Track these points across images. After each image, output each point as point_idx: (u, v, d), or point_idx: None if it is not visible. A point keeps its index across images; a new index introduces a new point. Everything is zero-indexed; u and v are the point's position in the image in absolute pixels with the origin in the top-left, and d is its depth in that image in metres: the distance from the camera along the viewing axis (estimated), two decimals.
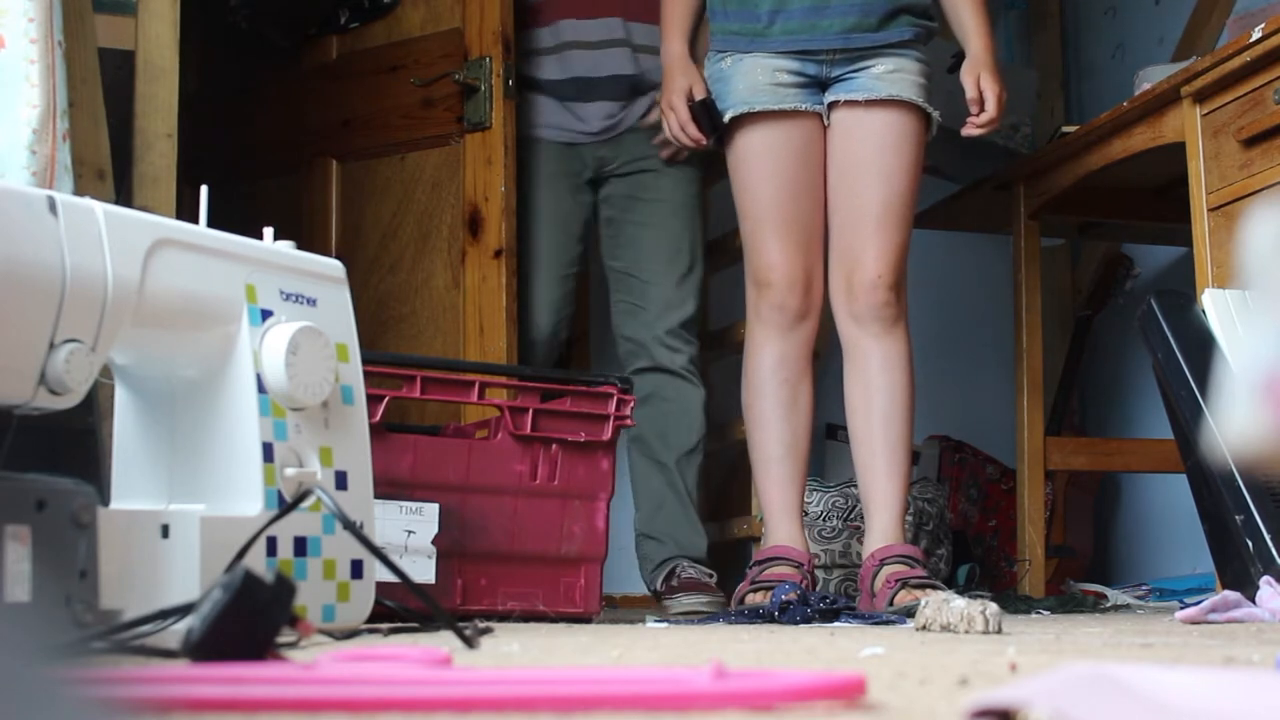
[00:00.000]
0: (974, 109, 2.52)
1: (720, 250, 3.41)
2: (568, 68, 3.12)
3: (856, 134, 2.51)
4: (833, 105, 2.53)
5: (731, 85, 2.54)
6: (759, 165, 2.53)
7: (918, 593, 2.26)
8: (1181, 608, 1.96)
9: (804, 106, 2.52)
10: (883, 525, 2.46)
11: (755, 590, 2.42)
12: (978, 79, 2.51)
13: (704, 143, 2.60)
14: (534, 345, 3.11)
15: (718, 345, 3.49)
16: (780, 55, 2.52)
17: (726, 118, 2.54)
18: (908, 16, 2.53)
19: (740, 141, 2.55)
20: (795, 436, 2.54)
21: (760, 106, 2.52)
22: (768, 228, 2.53)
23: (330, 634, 1.37)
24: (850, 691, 0.69)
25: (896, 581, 2.32)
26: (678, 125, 2.58)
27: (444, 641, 1.27)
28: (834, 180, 2.54)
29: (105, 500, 1.43)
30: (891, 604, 2.29)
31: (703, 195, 3.21)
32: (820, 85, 2.54)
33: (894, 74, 2.50)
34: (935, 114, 2.54)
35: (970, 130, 2.54)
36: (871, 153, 2.50)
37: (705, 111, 2.56)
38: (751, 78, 2.52)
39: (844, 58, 2.51)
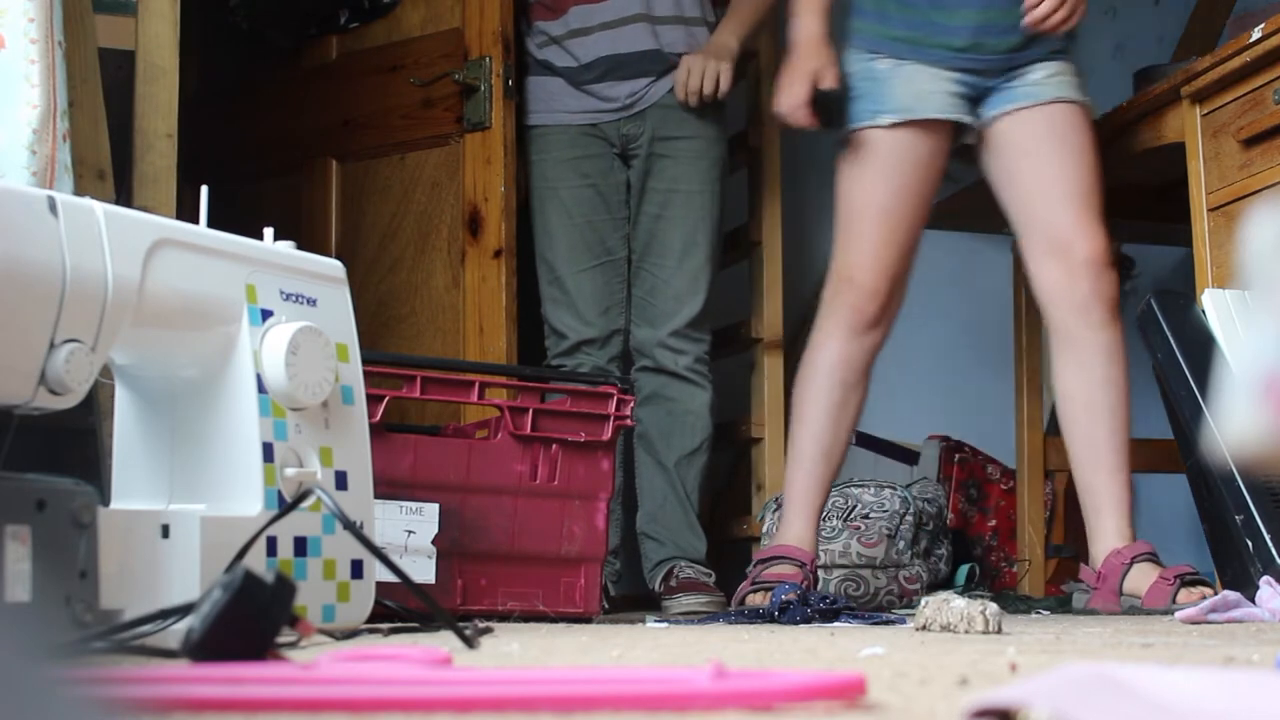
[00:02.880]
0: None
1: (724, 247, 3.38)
2: (588, 51, 3.07)
3: (1029, 128, 2.49)
4: (995, 118, 2.51)
5: (890, 88, 2.48)
6: (886, 171, 2.49)
7: (1196, 590, 2.24)
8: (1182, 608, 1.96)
9: (964, 117, 2.49)
10: (1117, 523, 2.44)
11: (755, 591, 2.41)
12: None
13: (812, 127, 2.51)
14: (577, 349, 3.03)
15: (719, 345, 3.48)
16: (944, 66, 2.48)
17: (888, 122, 2.48)
18: None
19: (873, 143, 2.50)
20: (836, 440, 2.53)
21: (922, 114, 2.47)
22: (871, 232, 2.49)
23: (330, 634, 1.37)
24: (850, 691, 0.69)
25: (1175, 579, 2.30)
26: (789, 106, 2.49)
27: (444, 641, 1.27)
28: (1017, 171, 2.50)
29: (105, 500, 1.43)
30: (1174, 601, 2.25)
31: (723, 181, 3.16)
32: (975, 99, 2.51)
33: (1053, 78, 2.49)
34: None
35: (1032, 19, 2.43)
36: (1055, 138, 2.48)
37: (834, 103, 2.47)
38: (916, 84, 2.47)
39: (1000, 68, 2.50)
